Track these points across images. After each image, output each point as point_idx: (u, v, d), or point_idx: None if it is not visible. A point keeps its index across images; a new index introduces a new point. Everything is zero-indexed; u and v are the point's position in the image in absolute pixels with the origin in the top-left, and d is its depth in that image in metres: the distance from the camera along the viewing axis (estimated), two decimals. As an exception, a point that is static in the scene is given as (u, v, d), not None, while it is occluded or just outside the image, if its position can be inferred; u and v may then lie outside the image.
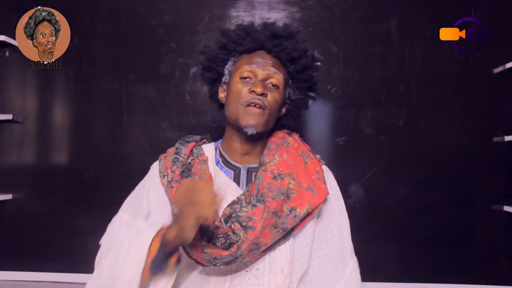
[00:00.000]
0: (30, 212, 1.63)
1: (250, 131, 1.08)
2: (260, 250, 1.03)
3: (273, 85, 1.11)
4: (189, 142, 1.17)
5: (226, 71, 1.18)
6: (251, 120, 1.07)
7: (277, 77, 1.11)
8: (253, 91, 1.07)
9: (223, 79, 1.19)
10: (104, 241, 1.09)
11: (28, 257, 1.62)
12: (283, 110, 1.19)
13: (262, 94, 1.07)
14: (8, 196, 1.62)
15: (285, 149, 1.13)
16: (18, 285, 1.61)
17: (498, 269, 1.62)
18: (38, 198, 1.63)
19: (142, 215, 1.09)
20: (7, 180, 1.65)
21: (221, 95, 1.18)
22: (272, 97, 1.10)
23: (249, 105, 1.08)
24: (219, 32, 1.19)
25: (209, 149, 1.18)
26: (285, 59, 1.14)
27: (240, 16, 1.64)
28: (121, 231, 1.05)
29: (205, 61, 1.21)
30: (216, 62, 1.18)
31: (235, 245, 0.99)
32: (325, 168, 1.17)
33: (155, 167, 1.15)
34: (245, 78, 1.11)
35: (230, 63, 1.17)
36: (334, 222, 1.14)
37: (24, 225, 1.63)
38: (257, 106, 1.08)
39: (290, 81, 1.18)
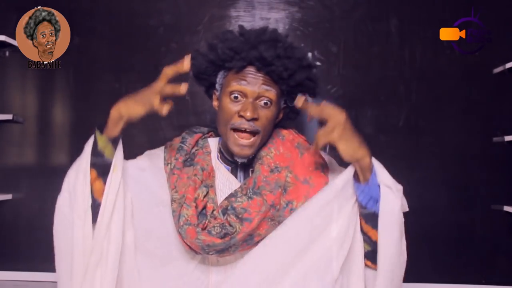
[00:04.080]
0: (30, 212, 1.63)
1: (240, 160, 1.08)
2: (254, 241, 1.03)
3: (265, 103, 1.05)
4: (196, 133, 1.16)
5: (218, 80, 1.12)
6: (241, 152, 1.04)
7: (269, 94, 1.05)
8: (242, 116, 1.02)
9: (216, 86, 1.13)
10: None
11: (28, 257, 1.62)
12: (280, 116, 1.15)
13: (252, 119, 1.02)
14: (8, 196, 1.62)
15: (280, 142, 1.12)
16: (18, 285, 1.61)
17: (498, 269, 1.62)
18: (38, 198, 1.63)
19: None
20: (7, 180, 1.65)
21: (215, 103, 1.14)
22: (264, 117, 1.04)
23: (237, 130, 1.03)
24: (206, 46, 1.11)
25: (213, 143, 1.17)
26: (276, 79, 1.06)
27: (240, 16, 1.64)
28: None
29: (194, 72, 1.13)
30: (207, 74, 1.12)
31: (229, 236, 0.99)
32: (324, 155, 1.13)
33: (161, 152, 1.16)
34: (235, 96, 1.04)
35: (221, 73, 1.11)
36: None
37: (24, 225, 1.64)
38: (247, 131, 1.03)
39: (286, 92, 1.11)
